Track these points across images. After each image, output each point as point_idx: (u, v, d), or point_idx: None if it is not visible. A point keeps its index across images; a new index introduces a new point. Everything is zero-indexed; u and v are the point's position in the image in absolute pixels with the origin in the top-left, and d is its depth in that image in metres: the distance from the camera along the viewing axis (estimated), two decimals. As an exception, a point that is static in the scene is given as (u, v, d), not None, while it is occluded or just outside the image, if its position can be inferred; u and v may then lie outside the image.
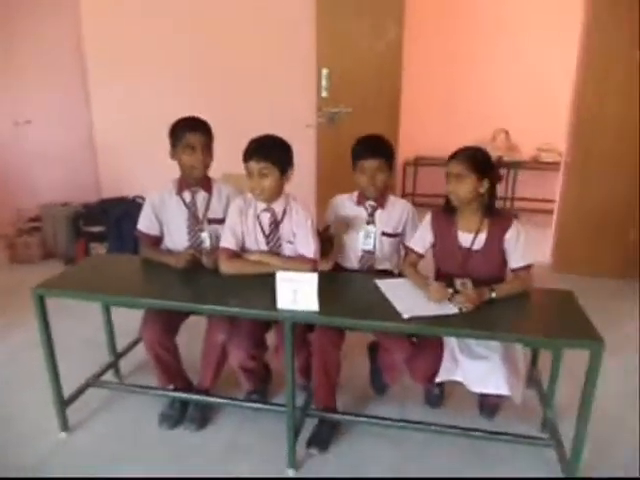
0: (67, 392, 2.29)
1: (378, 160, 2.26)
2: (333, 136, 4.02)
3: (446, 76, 5.47)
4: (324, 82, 3.95)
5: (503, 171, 5.46)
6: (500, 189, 5.67)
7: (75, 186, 4.57)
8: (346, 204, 2.42)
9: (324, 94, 3.98)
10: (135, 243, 3.94)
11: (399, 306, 1.90)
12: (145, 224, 2.36)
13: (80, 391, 2.37)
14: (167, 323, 2.20)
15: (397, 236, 2.40)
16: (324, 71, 3.92)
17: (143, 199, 4.19)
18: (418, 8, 4.51)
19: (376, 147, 2.30)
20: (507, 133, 5.42)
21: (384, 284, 2.08)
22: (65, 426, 2.28)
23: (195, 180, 2.33)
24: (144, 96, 4.25)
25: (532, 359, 2.43)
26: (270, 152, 2.10)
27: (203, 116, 2.37)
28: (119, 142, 4.40)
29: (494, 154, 5.16)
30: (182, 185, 2.35)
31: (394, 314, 1.87)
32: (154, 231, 2.36)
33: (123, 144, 4.40)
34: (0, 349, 2.98)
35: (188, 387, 2.38)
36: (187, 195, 2.35)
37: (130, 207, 4.11)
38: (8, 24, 4.29)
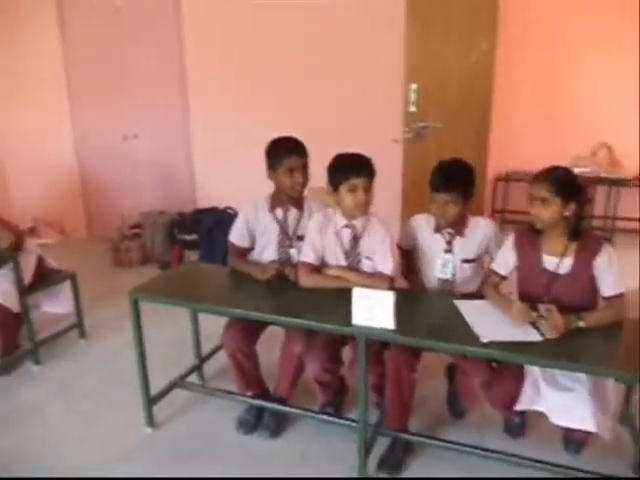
0: (154, 390, 2.43)
1: (450, 194, 2.15)
2: (420, 152, 3.98)
3: (541, 88, 5.23)
4: (412, 97, 3.93)
5: (604, 189, 5.15)
6: (600, 208, 5.32)
7: (173, 196, 4.87)
8: (424, 229, 2.34)
9: (412, 109, 3.96)
10: (224, 252, 4.14)
11: (478, 329, 1.85)
12: (237, 236, 2.45)
13: (166, 391, 2.52)
14: (248, 331, 2.29)
15: (478, 259, 2.32)
16: (412, 86, 3.90)
17: (233, 210, 4.43)
18: (510, 20, 4.37)
19: (450, 180, 2.18)
20: (610, 148, 5.08)
21: (463, 305, 2.03)
22: (151, 422, 2.43)
23: (289, 198, 2.39)
24: (237, 113, 4.44)
25: (625, 394, 2.26)
26: (371, 168, 2.16)
27: (291, 130, 2.45)
28: (214, 156, 4.63)
29: (594, 170, 4.90)
30: (275, 202, 2.41)
31: (472, 337, 1.82)
32: (244, 243, 2.45)
33: (217, 158, 4.62)
34: (100, 347, 3.23)
35: (265, 394, 2.45)
36: (279, 212, 2.41)
37: (221, 217, 4.31)
38: (121, 51, 4.68)
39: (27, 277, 2.96)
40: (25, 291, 2.88)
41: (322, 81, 4.13)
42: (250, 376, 2.37)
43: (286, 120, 4.21)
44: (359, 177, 2.12)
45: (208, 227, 4.22)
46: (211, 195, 4.68)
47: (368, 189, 2.15)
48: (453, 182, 2.17)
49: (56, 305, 3.21)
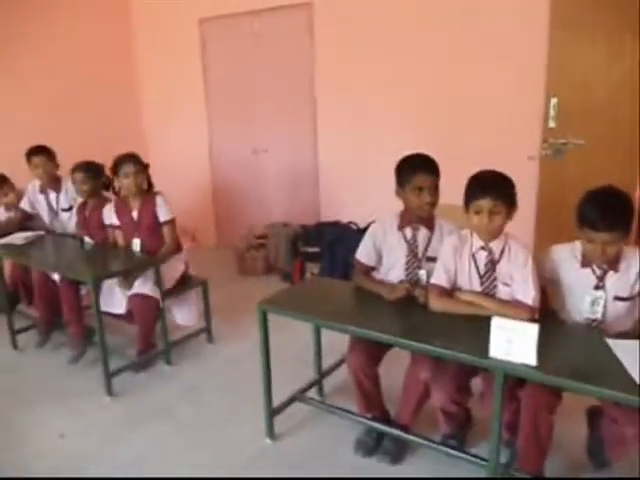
0: (274, 401, 2.45)
1: (611, 234, 1.86)
2: (559, 170, 3.70)
3: None
4: (552, 112, 3.68)
5: None
6: None
7: (297, 209, 4.99)
8: (569, 263, 2.06)
9: (551, 124, 3.70)
10: (345, 266, 4.15)
11: (635, 373, 1.63)
12: (364, 253, 2.41)
13: (287, 403, 2.53)
14: (372, 352, 2.24)
15: (635, 297, 2.04)
16: (553, 100, 3.65)
17: (356, 225, 4.43)
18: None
19: (611, 217, 1.86)
20: None
21: (617, 345, 1.81)
22: (271, 434, 2.46)
23: (418, 217, 2.32)
24: (365, 129, 4.45)
25: None
26: (501, 190, 2.01)
27: (420, 146, 2.38)
28: (339, 170, 4.67)
29: None
30: (404, 221, 2.35)
31: (627, 382, 1.61)
32: (371, 261, 2.41)
33: (342, 173, 4.65)
34: (226, 353, 3.35)
35: (386, 418, 2.38)
36: (408, 231, 2.34)
37: (344, 231, 4.33)
38: (255, 70, 4.91)
39: (173, 280, 3.17)
40: (165, 293, 3.09)
41: (453, 95, 3.99)
42: (371, 398, 2.31)
43: (415, 136, 4.15)
44: (484, 198, 1.99)
45: (330, 241, 4.26)
46: (334, 209, 4.72)
47: (494, 212, 1.99)
48: (615, 220, 1.87)
49: (182, 314, 3.37)
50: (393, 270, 2.36)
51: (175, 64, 5.49)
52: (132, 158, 3.16)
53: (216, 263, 4.95)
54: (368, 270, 2.42)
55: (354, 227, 4.41)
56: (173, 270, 3.23)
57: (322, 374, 2.79)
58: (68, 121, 5.02)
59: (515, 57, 3.71)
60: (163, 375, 3.12)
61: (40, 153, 3.62)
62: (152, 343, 3.17)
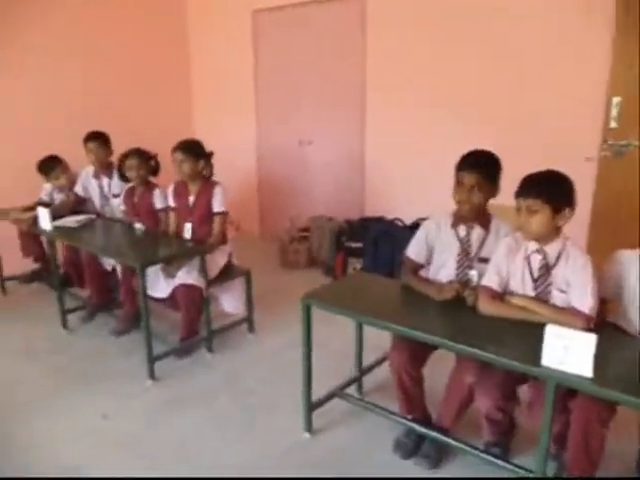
0: (313, 396, 2.44)
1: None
2: (618, 172, 3.53)
3: None
4: (614, 112, 3.51)
5: None
6: None
7: (341, 203, 4.95)
8: (635, 266, 1.96)
9: (612, 125, 3.53)
10: (389, 263, 4.09)
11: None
12: (415, 250, 2.36)
13: (326, 399, 2.52)
14: (416, 353, 2.19)
15: None
16: (615, 99, 3.48)
17: (401, 221, 4.36)
18: None
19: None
20: None
21: (680, 361, 1.71)
22: (309, 428, 2.45)
23: (473, 215, 2.24)
24: (413, 124, 4.36)
25: None
26: (541, 188, 1.92)
27: (472, 145, 2.30)
28: (386, 165, 4.61)
29: None
30: (459, 218, 2.28)
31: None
32: (421, 259, 2.35)
33: (389, 168, 4.59)
34: (267, 344, 3.37)
35: (427, 421, 2.33)
36: (462, 230, 2.28)
37: (389, 228, 4.27)
38: (304, 62, 4.89)
39: (217, 269, 3.20)
40: (209, 282, 3.12)
41: (508, 93, 3.86)
42: (413, 399, 2.26)
43: (467, 135, 4.04)
44: (523, 196, 1.93)
45: (374, 236, 4.20)
46: (379, 205, 4.66)
47: (532, 210, 1.91)
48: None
49: (229, 302, 3.41)
50: (444, 269, 2.30)
51: (227, 55, 5.53)
52: (181, 146, 3.20)
53: (259, 254, 4.97)
54: (417, 268, 2.36)
55: (399, 224, 4.35)
56: (217, 260, 3.26)
57: (362, 371, 2.75)
58: (122, 106, 5.15)
59: (577, 56, 3.55)
60: (204, 362, 3.15)
61: (95, 139, 3.71)
62: (195, 330, 3.21)
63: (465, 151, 2.29)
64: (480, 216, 2.25)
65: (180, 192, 3.32)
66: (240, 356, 3.21)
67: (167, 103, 5.71)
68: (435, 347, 2.25)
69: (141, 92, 5.40)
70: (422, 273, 2.39)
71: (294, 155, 5.23)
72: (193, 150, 3.23)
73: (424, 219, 4.23)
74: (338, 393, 2.56)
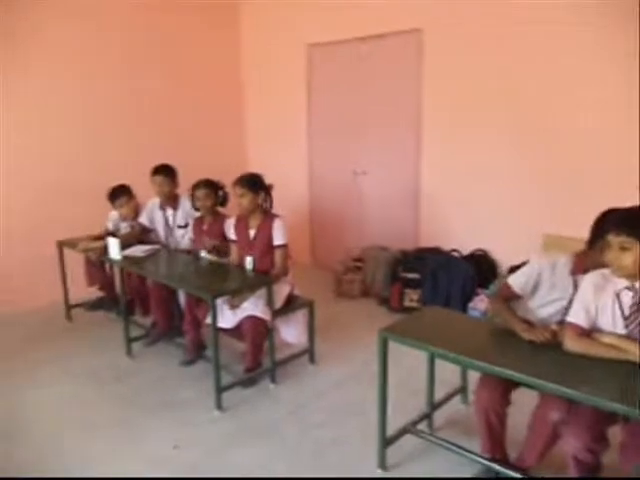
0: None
1: None
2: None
3: None
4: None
5: None
6: None
7: (395, 233, 4.94)
8: None
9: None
10: (448, 295, 4.05)
11: None
12: (519, 281, 2.29)
13: (399, 435, 2.48)
14: (503, 390, 2.14)
15: None
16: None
17: (459, 252, 4.33)
18: None
19: None
20: None
21: None
22: (383, 465, 2.41)
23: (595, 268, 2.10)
24: (470, 154, 4.36)
25: None
26: (635, 225, 1.87)
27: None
28: (442, 196, 4.60)
29: None
30: (579, 268, 2.20)
31: None
32: (522, 292, 2.30)
33: (445, 198, 4.58)
34: (329, 375, 3.35)
35: (504, 459, 2.26)
36: (581, 280, 2.18)
37: (447, 260, 4.24)
38: (358, 93, 4.98)
39: (280, 301, 3.23)
40: (274, 313, 3.14)
41: (565, 123, 3.80)
42: (497, 438, 2.20)
43: (523, 165, 4.03)
44: (619, 235, 1.86)
45: (433, 268, 4.17)
46: (435, 235, 4.64)
47: (624, 247, 1.85)
48: None
49: (290, 332, 3.42)
50: (544, 308, 2.26)
51: (280, 86, 5.68)
52: (241, 180, 3.27)
53: (311, 283, 4.96)
54: (513, 298, 2.32)
55: (457, 255, 4.31)
56: (281, 292, 3.29)
57: (434, 406, 2.71)
58: (178, 139, 5.32)
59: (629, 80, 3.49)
60: (268, 393, 3.15)
61: (162, 172, 3.83)
62: (259, 361, 3.23)
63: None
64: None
65: (241, 225, 3.38)
66: (303, 387, 3.21)
67: (221, 136, 5.88)
68: (517, 384, 2.19)
69: (196, 126, 5.58)
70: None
71: (348, 185, 5.27)
72: (253, 184, 3.29)
73: (482, 250, 4.27)
74: (411, 429, 2.52)
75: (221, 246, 3.51)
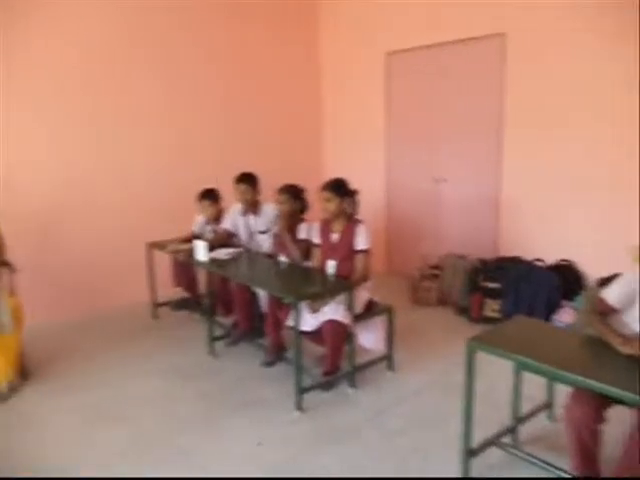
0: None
1: None
2: None
3: None
4: None
5: None
6: None
7: (473, 241, 4.85)
8: None
9: None
10: (531, 306, 3.92)
11: None
12: (614, 294, 2.21)
13: (483, 447, 2.42)
14: (599, 406, 2.05)
15: None
16: None
17: (543, 262, 4.18)
18: None
19: None
20: None
21: None
22: (466, 475, 2.36)
23: None
24: (554, 161, 4.21)
25: None
26: None
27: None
28: (524, 203, 4.46)
29: None
30: None
31: None
32: (618, 305, 2.21)
33: (527, 205, 4.44)
34: (407, 382, 3.33)
35: (596, 477, 2.16)
36: None
37: (528, 269, 4.11)
38: (438, 101, 4.93)
39: (360, 306, 3.26)
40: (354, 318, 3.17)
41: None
42: (589, 456, 2.11)
43: (609, 173, 3.84)
44: None
45: (514, 278, 4.06)
46: (515, 244, 4.51)
47: None
48: None
49: (368, 338, 3.43)
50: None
51: (358, 93, 5.73)
52: (328, 185, 3.34)
53: (387, 290, 4.95)
54: (608, 312, 2.23)
55: (541, 264, 4.16)
56: (361, 297, 3.31)
57: (519, 420, 2.63)
58: (258, 146, 5.49)
59: None
60: (347, 398, 3.18)
61: (245, 181, 3.97)
62: (338, 365, 3.26)
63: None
64: None
65: (325, 230, 3.44)
66: (382, 394, 3.21)
67: (299, 143, 6.01)
68: (612, 401, 2.10)
69: (275, 132, 5.73)
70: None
71: (426, 192, 5.23)
72: (339, 189, 3.35)
73: (567, 261, 4.10)
74: (495, 442, 2.46)
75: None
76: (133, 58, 4.72)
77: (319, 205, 3.44)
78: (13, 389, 3.28)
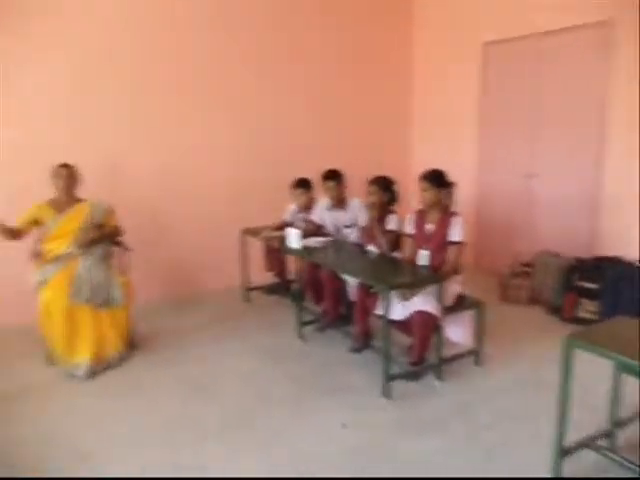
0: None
1: None
2: None
3: None
4: None
5: None
6: None
7: (568, 239, 4.66)
8: None
9: None
10: (631, 309, 3.73)
11: None
12: None
13: (576, 448, 2.36)
14: None
15: None
16: None
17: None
18: None
19: None
20: None
21: None
22: (558, 474, 2.32)
23: None
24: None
25: None
26: None
27: None
28: (628, 202, 4.22)
29: None
30: None
31: None
32: None
33: (632, 205, 4.20)
34: (494, 378, 3.30)
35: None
36: None
37: (631, 270, 3.90)
38: (533, 91, 4.76)
39: (451, 298, 3.27)
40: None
41: None
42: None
43: None
44: None
45: (614, 278, 3.87)
46: (616, 243, 4.29)
47: None
48: None
49: (456, 331, 3.42)
50: None
51: (451, 86, 5.66)
52: (426, 175, 3.36)
53: (475, 286, 4.83)
54: None
55: (642, 266, 3.95)
56: (452, 290, 3.31)
57: (617, 423, 2.54)
58: (347, 136, 5.58)
59: None
60: (433, 389, 3.20)
61: (333, 178, 4.08)
62: (425, 357, 3.28)
63: None
64: None
65: (419, 220, 3.46)
66: (469, 388, 3.19)
67: (387, 135, 6.02)
68: None
69: (364, 125, 5.78)
70: None
71: (518, 188, 5.08)
72: (436, 179, 3.36)
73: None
74: (590, 444, 2.40)
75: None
76: (233, 55, 4.96)
77: (407, 197, 3.47)
78: (122, 359, 3.60)
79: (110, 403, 3.12)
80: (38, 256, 3.61)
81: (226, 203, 5.08)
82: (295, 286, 4.07)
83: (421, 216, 3.47)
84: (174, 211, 4.87)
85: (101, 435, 2.78)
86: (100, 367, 3.47)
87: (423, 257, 3.35)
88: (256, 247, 4.71)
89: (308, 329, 4.01)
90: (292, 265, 4.61)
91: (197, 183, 4.95)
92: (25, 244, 3.61)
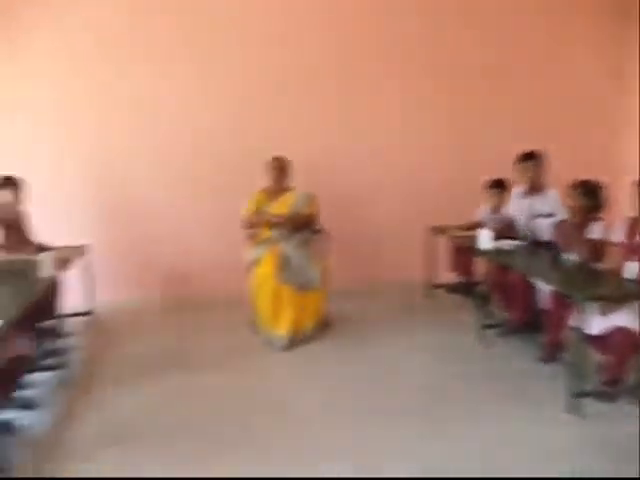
0: None
1: None
2: None
3: None
4: None
5: None
6: None
7: None
8: None
9: None
10: None
11: None
12: None
13: None
14: None
15: None
16: None
17: None
18: None
19: None
20: None
21: None
22: None
23: None
24: None
25: None
26: None
27: None
28: None
29: None
30: None
31: None
32: None
33: None
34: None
35: None
36: None
37: None
38: None
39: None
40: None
41: None
42: None
43: None
44: None
45: None
46: None
47: None
48: None
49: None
50: None
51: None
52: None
53: None
54: None
55: None
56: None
57: None
58: (545, 132, 5.27)
59: None
60: (626, 414, 2.92)
61: (530, 158, 3.92)
62: (620, 377, 3.02)
63: None
64: None
65: (631, 229, 3.18)
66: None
67: (589, 133, 5.54)
68: None
69: (564, 120, 5.41)
70: None
71: None
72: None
73: None
74: None
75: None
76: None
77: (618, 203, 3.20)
78: (309, 337, 3.95)
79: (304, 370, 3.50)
80: (253, 237, 4.16)
81: (413, 199, 5.22)
82: (481, 287, 4.02)
83: (633, 225, 3.19)
84: (369, 201, 5.17)
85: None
86: (297, 341, 3.87)
87: (631, 269, 3.05)
88: (441, 245, 4.73)
89: (490, 333, 3.93)
90: (480, 267, 4.55)
91: (395, 178, 5.21)
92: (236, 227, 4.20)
